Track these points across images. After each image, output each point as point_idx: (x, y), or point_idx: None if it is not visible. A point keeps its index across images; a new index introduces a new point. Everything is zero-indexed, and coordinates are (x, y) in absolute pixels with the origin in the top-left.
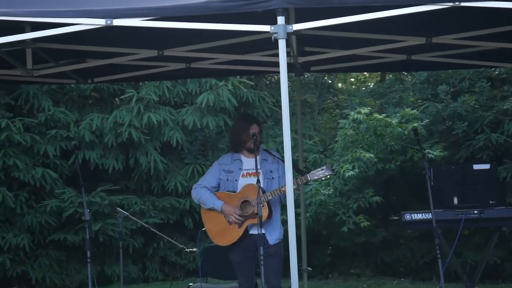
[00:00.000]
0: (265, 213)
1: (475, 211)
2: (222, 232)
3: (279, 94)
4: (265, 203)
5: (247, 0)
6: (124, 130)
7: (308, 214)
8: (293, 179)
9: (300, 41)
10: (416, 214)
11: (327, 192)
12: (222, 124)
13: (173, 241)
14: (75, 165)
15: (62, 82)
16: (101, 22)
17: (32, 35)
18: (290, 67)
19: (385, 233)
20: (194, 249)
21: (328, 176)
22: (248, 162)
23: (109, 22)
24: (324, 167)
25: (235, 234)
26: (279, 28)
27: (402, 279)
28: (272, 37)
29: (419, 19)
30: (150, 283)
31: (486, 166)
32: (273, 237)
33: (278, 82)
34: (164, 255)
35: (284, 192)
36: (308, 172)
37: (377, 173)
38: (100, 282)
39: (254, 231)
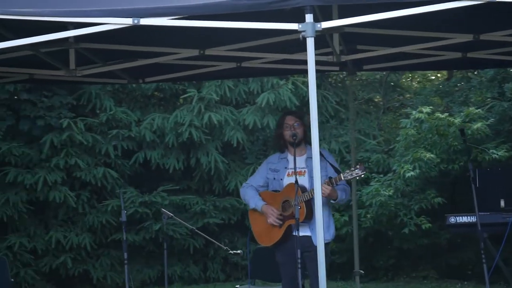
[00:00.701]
0: (302, 214)
1: None
2: (265, 233)
3: (344, 93)
4: (303, 203)
5: None
6: (185, 130)
7: (368, 215)
8: (327, 179)
9: (348, 39)
10: (461, 217)
11: (387, 193)
12: None
13: (217, 243)
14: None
15: (113, 82)
16: (128, 21)
17: (67, 34)
18: (342, 66)
19: (448, 235)
20: (239, 251)
21: (362, 176)
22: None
23: (136, 21)
24: (357, 167)
25: (276, 234)
26: (307, 26)
27: (465, 283)
28: (300, 36)
29: (464, 15)
30: (211, 283)
31: None
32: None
33: (342, 81)
34: (225, 256)
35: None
36: (343, 172)
37: (440, 174)
38: (161, 283)
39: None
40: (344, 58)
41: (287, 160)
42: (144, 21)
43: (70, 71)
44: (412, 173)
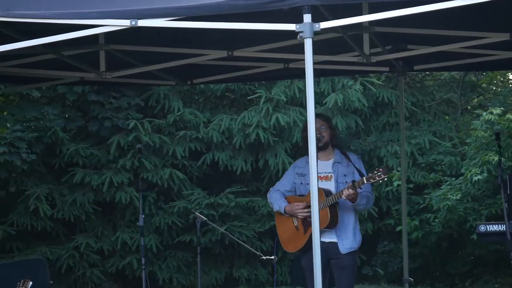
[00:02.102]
0: (325, 219)
1: None
2: (290, 238)
3: (420, 94)
4: (327, 208)
5: None
6: (252, 131)
7: (437, 220)
8: (351, 183)
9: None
10: (491, 226)
11: (454, 197)
12: (353, 125)
13: (249, 247)
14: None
15: (160, 84)
16: (125, 23)
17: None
18: (392, 67)
19: None
20: (272, 257)
21: (386, 179)
22: (321, 165)
23: (133, 23)
24: (380, 169)
25: (301, 240)
26: (305, 26)
27: None
28: (298, 36)
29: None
30: (279, 287)
31: None
32: (345, 245)
33: (421, 81)
34: (293, 259)
35: (344, 196)
36: (365, 175)
37: None
38: (228, 285)
39: (323, 239)
40: (374, 58)
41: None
42: (142, 23)
43: (100, 74)
44: (479, 176)
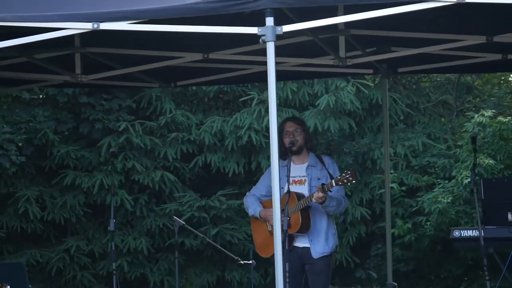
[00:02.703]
0: (297, 224)
1: None
2: (264, 243)
3: (416, 95)
4: (299, 213)
5: (234, 1)
6: (244, 133)
7: (429, 223)
8: (319, 187)
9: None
10: (466, 231)
11: (445, 200)
12: (346, 127)
13: (228, 253)
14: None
15: (143, 86)
16: (88, 26)
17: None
18: (376, 70)
19: None
20: (250, 261)
21: (354, 182)
22: (295, 169)
23: (95, 26)
24: (348, 172)
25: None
26: (267, 30)
27: None
28: (260, 40)
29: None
30: None
31: None
32: (317, 250)
33: (416, 83)
34: None
35: (314, 199)
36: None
37: None
38: (220, 287)
39: (297, 243)
40: (350, 61)
41: (289, 168)
42: (104, 26)
43: (75, 77)
44: (469, 179)
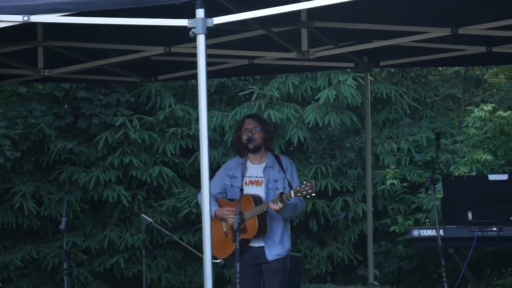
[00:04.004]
0: (253, 229)
1: (493, 228)
2: (219, 244)
3: (423, 89)
4: (255, 218)
5: None
6: None
7: (428, 220)
8: (277, 196)
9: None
10: (425, 230)
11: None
12: (348, 122)
13: (196, 252)
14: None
15: (125, 80)
16: (18, 18)
17: None
18: (357, 63)
19: None
20: (218, 260)
21: (313, 195)
22: (252, 168)
23: (26, 18)
24: (308, 184)
25: (230, 247)
26: (198, 22)
27: None
28: (190, 32)
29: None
30: None
31: (504, 177)
32: (272, 252)
33: (425, 76)
34: None
35: (270, 208)
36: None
37: None
38: (220, 284)
39: (253, 244)
40: (313, 55)
41: (246, 167)
42: (34, 18)
43: (36, 71)
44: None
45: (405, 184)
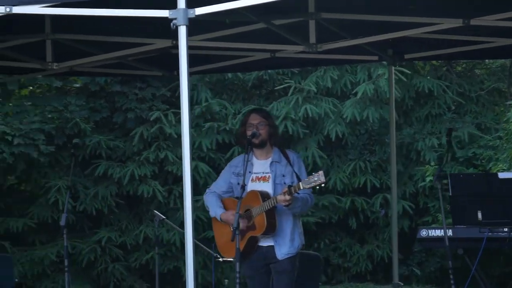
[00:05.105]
0: (262, 225)
1: (504, 229)
2: (227, 244)
3: (469, 84)
4: (263, 215)
5: None
6: (279, 123)
7: None
8: (286, 188)
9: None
10: (433, 231)
11: None
12: (387, 117)
13: (207, 249)
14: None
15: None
16: (0, 10)
17: None
18: (381, 57)
19: None
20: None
21: (323, 185)
22: (259, 164)
23: (8, 9)
24: (317, 174)
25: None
26: (179, 13)
27: None
28: (172, 24)
29: None
30: None
31: None
32: (282, 251)
33: (471, 70)
34: (326, 256)
35: (279, 201)
36: (302, 180)
37: None
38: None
39: (261, 243)
40: (320, 47)
41: (252, 163)
42: (17, 9)
43: (44, 64)
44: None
45: (445, 181)
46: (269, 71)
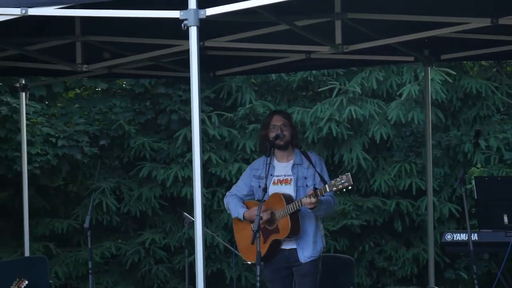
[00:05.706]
0: (286, 228)
1: None
2: (249, 247)
3: None
4: (288, 217)
5: None
6: (324, 125)
7: None
8: (312, 190)
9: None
10: (459, 234)
11: None
12: (433, 119)
13: (236, 251)
14: None
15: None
16: (16, 11)
17: None
18: (416, 57)
19: None
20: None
21: (350, 188)
22: (280, 167)
23: (24, 11)
24: (344, 177)
25: (261, 249)
26: (190, 13)
27: None
28: (182, 25)
29: None
30: None
31: None
32: (305, 254)
33: None
34: (371, 259)
35: (304, 204)
36: (328, 183)
37: None
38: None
39: (284, 246)
40: (346, 48)
41: (273, 166)
42: (32, 11)
43: (75, 66)
44: None
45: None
46: (313, 72)
